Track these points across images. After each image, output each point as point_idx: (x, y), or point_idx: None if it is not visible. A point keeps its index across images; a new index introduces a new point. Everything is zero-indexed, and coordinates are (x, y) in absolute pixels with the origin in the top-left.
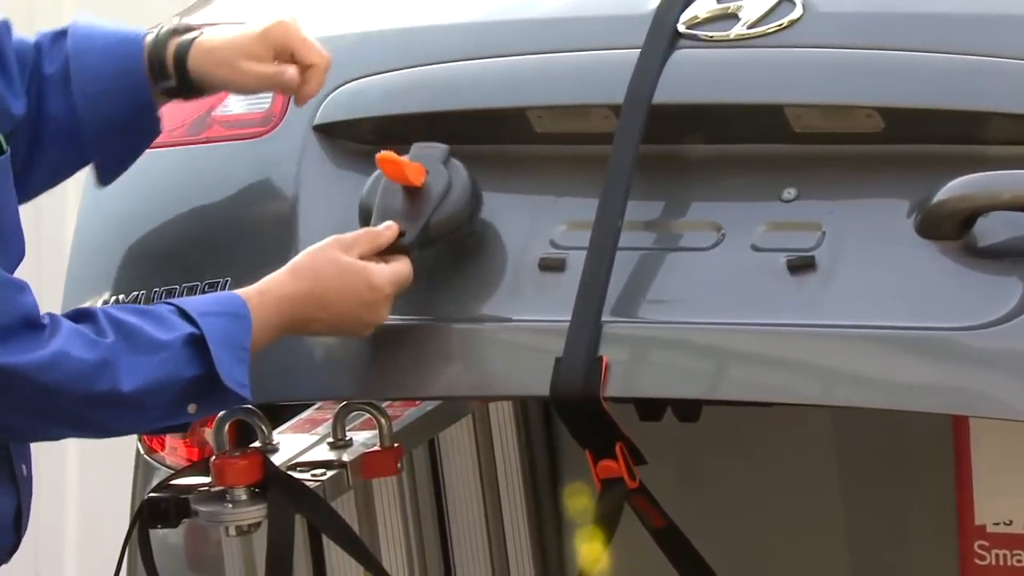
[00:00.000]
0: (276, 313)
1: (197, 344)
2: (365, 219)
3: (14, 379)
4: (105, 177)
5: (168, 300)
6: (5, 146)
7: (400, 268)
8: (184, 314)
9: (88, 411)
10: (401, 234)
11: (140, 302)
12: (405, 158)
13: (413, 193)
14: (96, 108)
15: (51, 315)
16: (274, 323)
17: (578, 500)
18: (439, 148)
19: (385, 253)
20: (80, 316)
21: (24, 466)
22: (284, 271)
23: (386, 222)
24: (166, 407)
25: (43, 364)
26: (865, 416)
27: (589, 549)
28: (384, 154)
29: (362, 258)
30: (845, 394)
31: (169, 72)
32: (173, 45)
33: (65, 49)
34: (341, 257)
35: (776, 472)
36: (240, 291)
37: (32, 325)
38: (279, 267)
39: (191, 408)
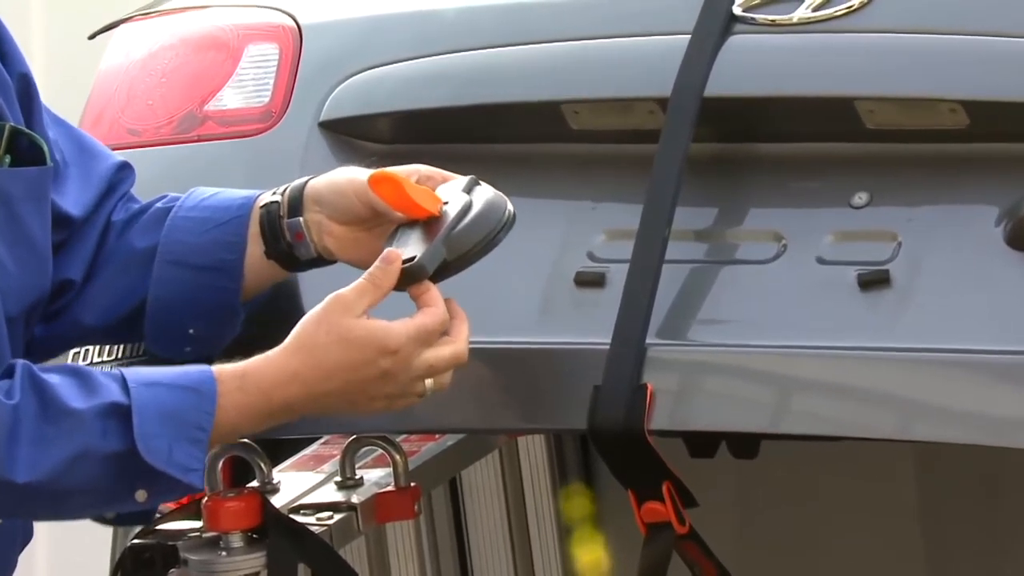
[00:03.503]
0: (264, 399)
1: (121, 416)
2: None
3: None
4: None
5: (123, 368)
6: (49, 160)
7: (424, 319)
8: (124, 382)
9: None
10: (411, 260)
11: None
12: (426, 169)
13: (431, 221)
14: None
15: None
16: (262, 409)
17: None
18: (464, 179)
19: (400, 289)
20: (5, 371)
21: None
22: (278, 349)
23: (382, 253)
24: (94, 490)
25: None
26: (951, 454)
27: None
28: (379, 173)
29: (372, 309)
30: (926, 428)
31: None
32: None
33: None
34: (344, 323)
35: (845, 518)
36: (221, 367)
37: None
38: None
39: (140, 495)
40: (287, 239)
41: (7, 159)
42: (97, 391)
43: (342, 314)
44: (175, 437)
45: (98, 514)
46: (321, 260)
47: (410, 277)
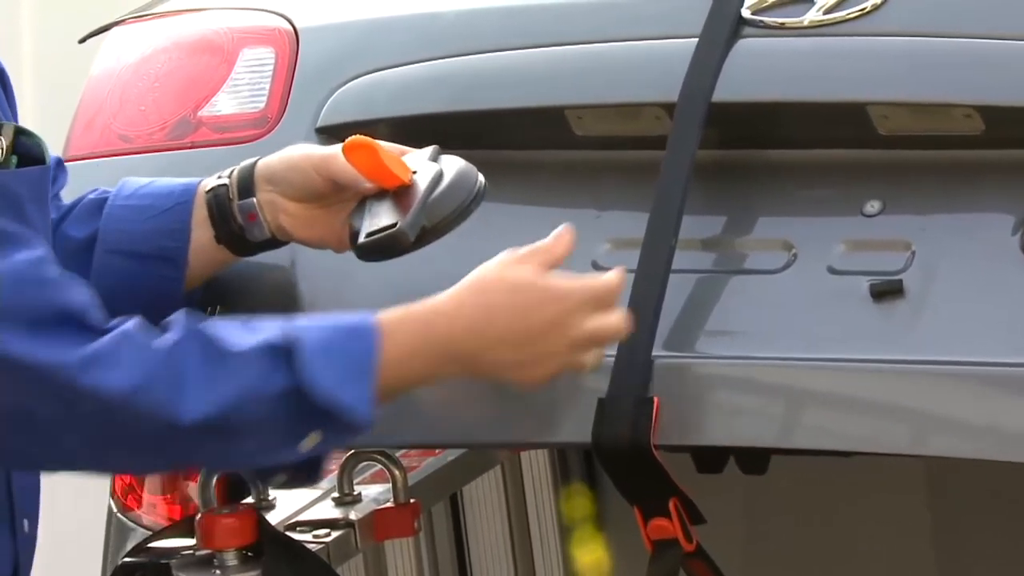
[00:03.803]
0: (427, 332)
1: (286, 354)
2: (352, 240)
3: (50, 383)
4: None
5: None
6: (48, 159)
7: (597, 282)
8: (285, 325)
9: (149, 429)
10: (392, 226)
11: None
12: (386, 144)
13: (401, 191)
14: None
15: (128, 318)
16: (426, 345)
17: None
18: (427, 149)
19: (379, 252)
20: (162, 326)
21: (26, 521)
22: (443, 292)
23: (556, 230)
24: (261, 433)
25: (80, 363)
26: (965, 470)
27: None
28: (354, 140)
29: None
30: (940, 443)
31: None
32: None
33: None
34: (515, 270)
35: (857, 534)
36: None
37: (73, 321)
38: (276, 295)
39: (307, 442)
40: (239, 221)
41: (14, 160)
42: (258, 332)
43: (514, 263)
44: (340, 373)
45: (268, 464)
46: (274, 241)
47: (393, 244)
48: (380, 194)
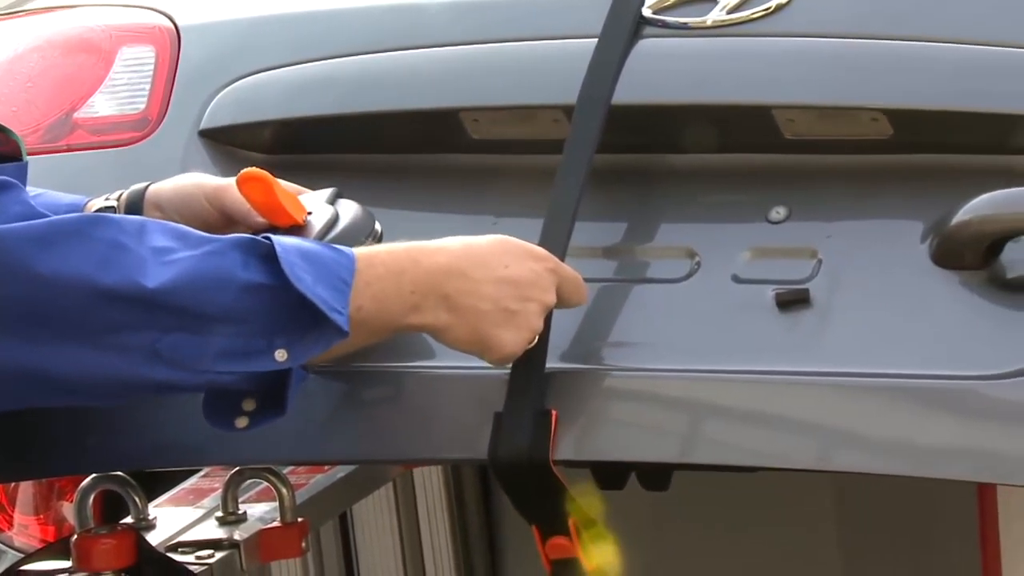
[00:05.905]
0: (409, 260)
1: (262, 252)
2: None
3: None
4: None
5: None
6: (24, 157)
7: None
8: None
9: (111, 313)
10: None
11: None
12: (282, 183)
13: (294, 231)
14: None
15: None
16: (407, 273)
17: None
18: (326, 191)
19: None
20: None
21: None
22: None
23: None
24: (230, 327)
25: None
26: (872, 484)
27: None
28: (250, 171)
29: None
30: (847, 458)
31: None
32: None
33: None
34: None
35: (764, 552)
36: None
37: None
38: None
39: (279, 354)
40: None
41: None
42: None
43: None
44: (318, 276)
45: (234, 375)
46: None
47: None
48: (271, 232)
